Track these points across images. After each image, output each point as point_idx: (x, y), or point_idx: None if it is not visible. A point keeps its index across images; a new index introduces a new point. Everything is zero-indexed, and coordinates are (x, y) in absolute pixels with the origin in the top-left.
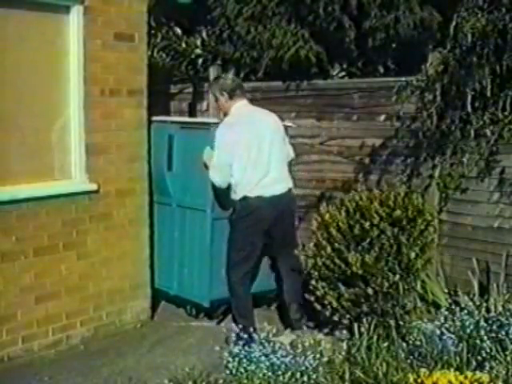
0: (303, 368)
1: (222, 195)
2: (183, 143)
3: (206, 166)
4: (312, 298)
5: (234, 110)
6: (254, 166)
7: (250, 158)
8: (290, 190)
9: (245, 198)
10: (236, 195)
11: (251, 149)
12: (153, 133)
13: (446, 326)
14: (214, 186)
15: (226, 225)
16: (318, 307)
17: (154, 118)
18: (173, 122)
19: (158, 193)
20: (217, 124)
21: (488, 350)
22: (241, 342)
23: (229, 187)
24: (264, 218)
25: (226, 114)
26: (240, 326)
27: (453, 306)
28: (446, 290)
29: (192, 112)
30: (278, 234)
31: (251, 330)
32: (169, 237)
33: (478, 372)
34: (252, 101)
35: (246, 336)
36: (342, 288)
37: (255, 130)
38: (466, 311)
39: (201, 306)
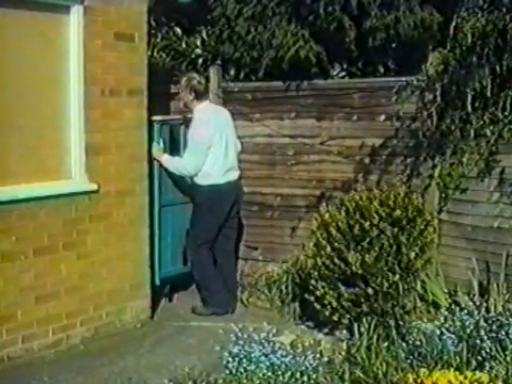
0: (303, 368)
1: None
2: None
3: (156, 160)
4: (312, 298)
5: (203, 108)
6: (224, 156)
7: (221, 149)
8: (240, 177)
9: (216, 184)
10: (205, 180)
11: (221, 141)
12: None
13: (446, 326)
14: (169, 174)
15: (171, 211)
16: (318, 307)
17: None
18: None
19: None
20: (161, 121)
21: (488, 350)
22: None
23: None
24: (229, 200)
25: (186, 106)
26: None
27: (453, 306)
28: (445, 290)
29: None
30: (231, 215)
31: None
32: None
33: (477, 372)
34: (252, 101)
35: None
36: (342, 288)
37: (222, 125)
38: (465, 311)
39: None
